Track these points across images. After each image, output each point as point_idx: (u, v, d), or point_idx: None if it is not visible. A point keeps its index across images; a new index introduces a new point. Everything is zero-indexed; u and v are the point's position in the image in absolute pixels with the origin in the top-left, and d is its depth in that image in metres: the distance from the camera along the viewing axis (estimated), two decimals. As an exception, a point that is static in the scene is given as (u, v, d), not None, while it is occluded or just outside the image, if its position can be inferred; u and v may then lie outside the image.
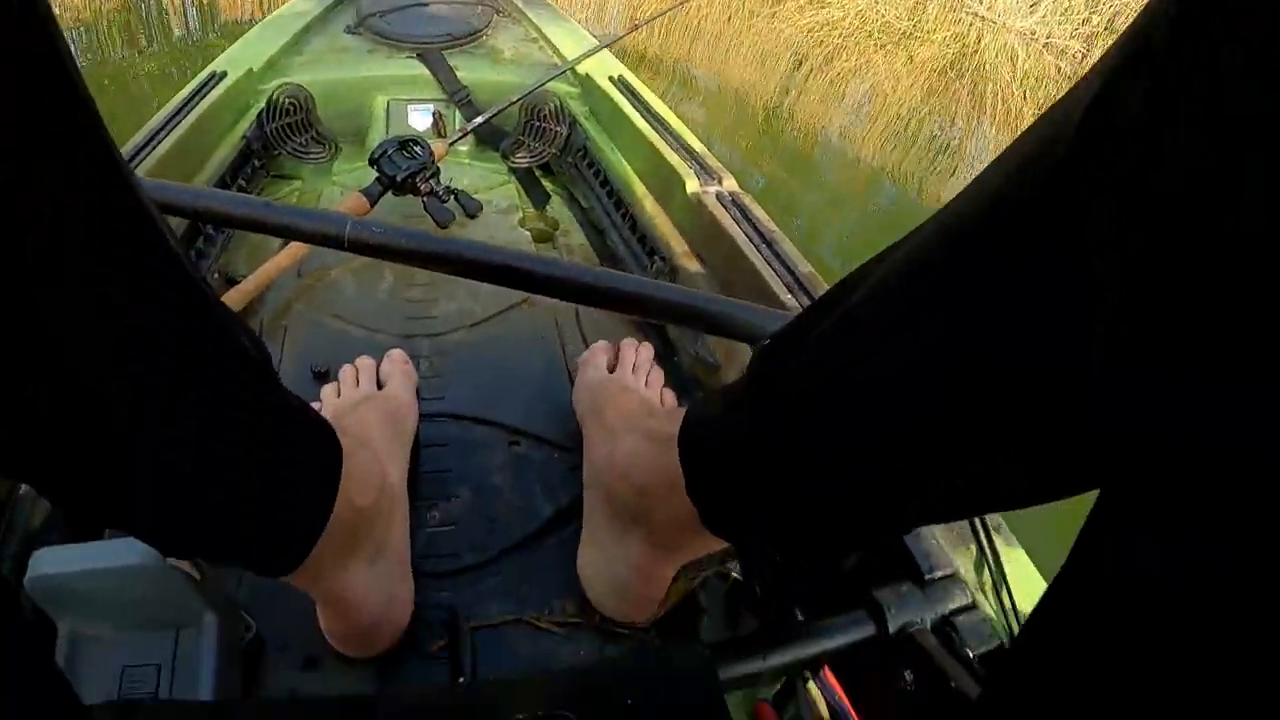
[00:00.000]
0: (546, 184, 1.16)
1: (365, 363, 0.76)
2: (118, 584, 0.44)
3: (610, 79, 1.14)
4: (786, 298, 0.76)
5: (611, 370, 0.79)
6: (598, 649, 0.62)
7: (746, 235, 0.84)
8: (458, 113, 1.20)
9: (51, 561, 0.44)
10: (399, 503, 0.63)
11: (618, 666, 0.44)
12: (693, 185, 0.93)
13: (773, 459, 0.39)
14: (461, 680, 0.56)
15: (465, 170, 1.14)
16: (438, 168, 0.98)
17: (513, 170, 1.15)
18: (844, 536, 0.41)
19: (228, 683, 0.49)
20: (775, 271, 0.80)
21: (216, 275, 0.91)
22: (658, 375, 0.80)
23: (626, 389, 0.75)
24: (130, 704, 0.37)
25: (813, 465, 0.37)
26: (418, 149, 0.96)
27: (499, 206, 1.06)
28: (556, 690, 0.42)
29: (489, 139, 1.17)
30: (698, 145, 1.00)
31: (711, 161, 0.96)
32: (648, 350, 0.82)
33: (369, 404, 0.70)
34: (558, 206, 1.11)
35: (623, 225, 1.02)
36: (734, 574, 0.69)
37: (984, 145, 3.34)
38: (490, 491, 0.72)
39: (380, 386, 0.75)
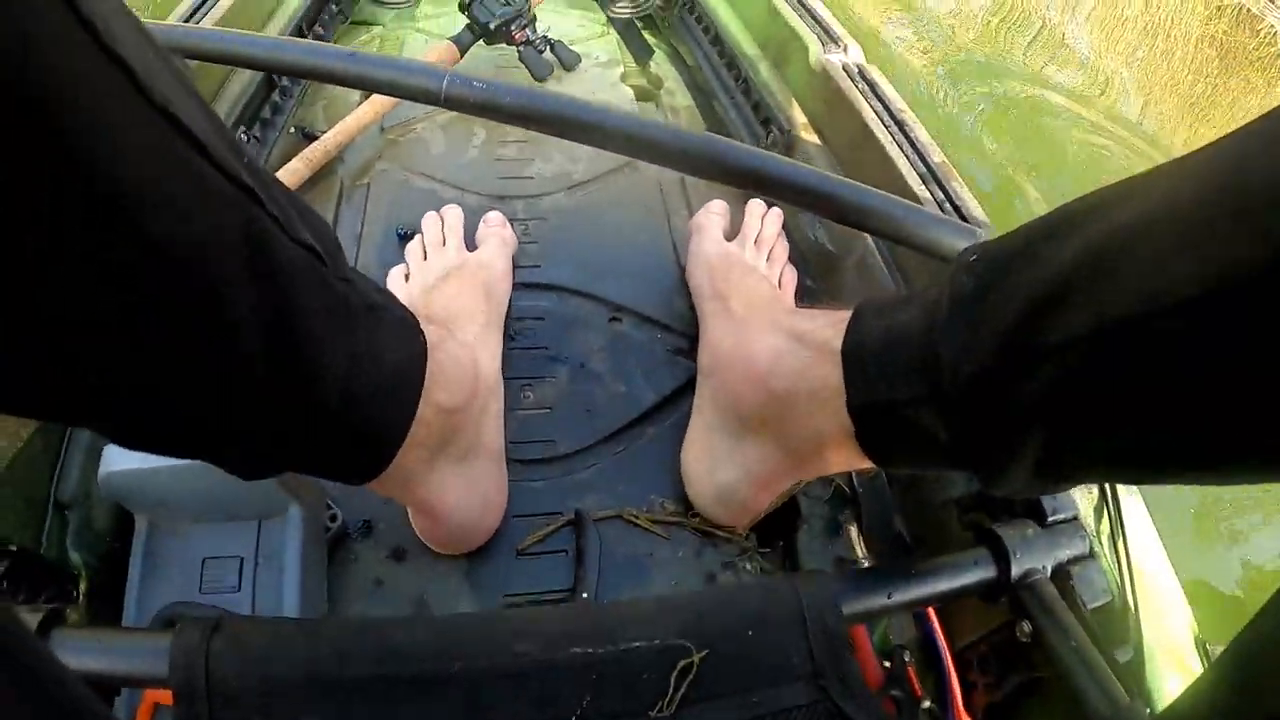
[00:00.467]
0: (649, 37, 1.03)
1: (454, 217, 0.69)
2: (195, 477, 0.41)
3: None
4: (919, 189, 0.65)
5: (729, 238, 0.70)
6: (695, 552, 0.58)
7: (875, 113, 0.72)
8: (553, -46, 1.07)
9: (124, 457, 0.41)
10: (494, 395, 0.58)
11: (739, 594, 0.39)
12: (815, 51, 0.81)
13: (990, 408, 0.35)
14: (584, 595, 0.52)
15: (561, 19, 1.02)
16: (534, 14, 0.87)
17: (612, 20, 1.03)
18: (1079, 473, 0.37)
19: (313, 576, 0.46)
20: (907, 156, 0.68)
21: (293, 129, 0.84)
22: (783, 250, 0.71)
23: (751, 270, 0.66)
24: (216, 622, 0.32)
25: (1057, 413, 0.33)
26: (512, -8, 0.85)
27: (598, 60, 0.95)
28: (678, 616, 0.37)
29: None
30: (819, 4, 0.86)
31: (835, 25, 0.84)
32: (776, 219, 0.72)
33: (459, 275, 0.64)
34: (661, 62, 1.00)
35: (734, 88, 0.91)
36: (838, 480, 0.62)
37: None
38: (589, 374, 0.66)
39: (471, 249, 0.68)
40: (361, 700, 0.33)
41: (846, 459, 0.46)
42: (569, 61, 0.91)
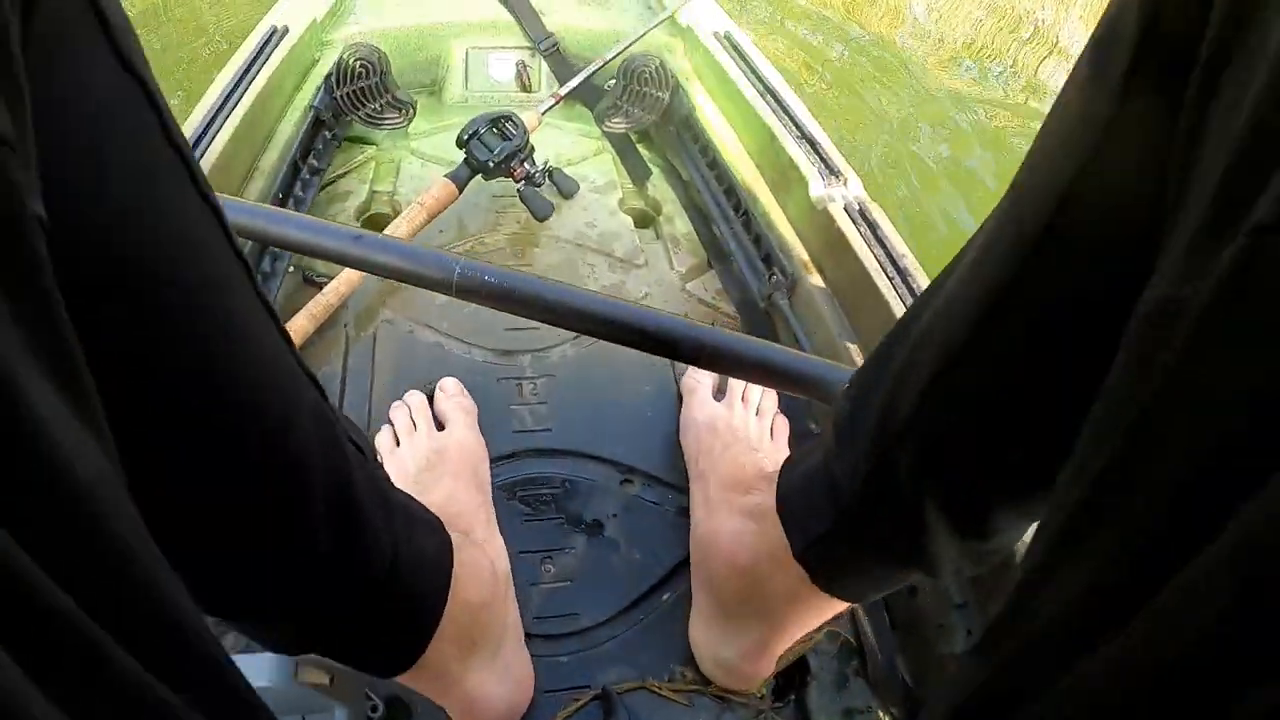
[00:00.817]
0: (645, 151, 1.05)
1: (417, 401, 0.71)
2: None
3: (716, 35, 1.01)
4: None
5: (719, 395, 0.74)
6: (715, 717, 0.60)
7: (877, 259, 0.75)
8: (543, 63, 1.08)
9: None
10: (509, 584, 0.61)
11: None
12: (816, 188, 0.82)
13: (885, 503, 0.40)
14: None
15: (558, 134, 1.04)
16: (532, 147, 0.89)
17: (607, 136, 1.05)
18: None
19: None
20: (901, 300, 0.72)
21: (293, 269, 0.85)
22: (771, 402, 0.74)
23: (733, 440, 0.70)
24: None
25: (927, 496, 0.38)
26: (511, 127, 0.87)
27: (595, 184, 0.97)
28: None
29: (580, 95, 1.06)
30: (817, 131, 0.88)
31: (835, 156, 0.85)
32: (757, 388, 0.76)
33: (444, 467, 0.66)
34: (658, 181, 1.02)
35: (734, 219, 0.92)
36: (844, 635, 0.66)
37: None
38: (605, 542, 0.68)
39: (440, 426, 0.70)
40: None
41: (819, 609, 0.50)
42: (568, 190, 0.93)
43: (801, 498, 0.47)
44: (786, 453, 0.72)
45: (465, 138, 0.85)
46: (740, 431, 0.71)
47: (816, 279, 0.82)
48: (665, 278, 0.88)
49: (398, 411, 0.69)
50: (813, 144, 0.87)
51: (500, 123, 0.87)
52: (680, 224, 0.95)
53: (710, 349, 0.55)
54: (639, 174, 1.00)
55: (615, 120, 1.02)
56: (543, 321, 0.57)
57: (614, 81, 1.04)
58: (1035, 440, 0.34)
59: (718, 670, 0.61)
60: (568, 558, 0.67)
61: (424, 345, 0.77)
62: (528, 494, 0.70)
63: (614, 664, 0.62)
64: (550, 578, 0.66)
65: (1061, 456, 0.26)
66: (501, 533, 0.65)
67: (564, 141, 1.03)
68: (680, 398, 0.77)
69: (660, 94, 1.02)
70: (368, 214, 0.94)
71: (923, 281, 0.74)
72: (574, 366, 0.78)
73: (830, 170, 0.84)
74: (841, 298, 0.80)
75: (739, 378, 0.63)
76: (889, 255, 0.75)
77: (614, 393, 0.77)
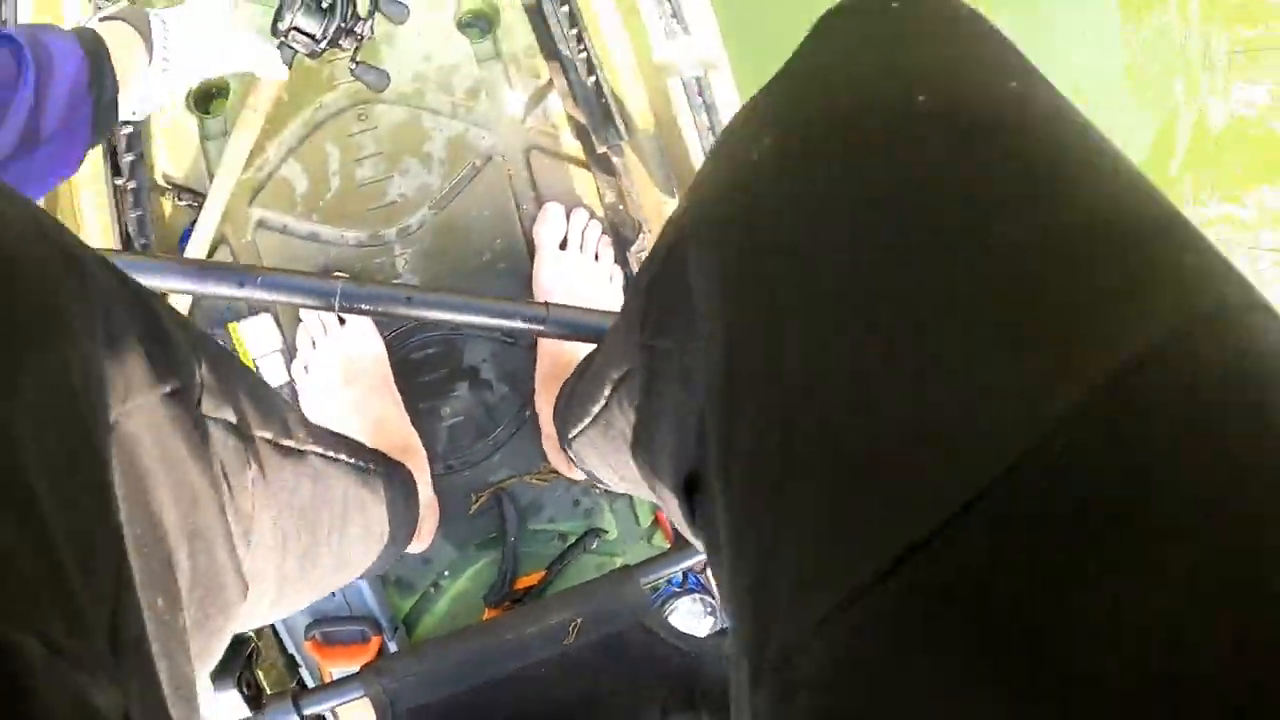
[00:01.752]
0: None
1: (312, 322, 0.88)
2: None
3: None
4: None
5: (563, 244, 0.91)
6: (565, 491, 0.95)
7: (699, 136, 0.83)
8: None
9: None
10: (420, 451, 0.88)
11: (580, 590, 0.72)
12: (658, 48, 0.83)
13: None
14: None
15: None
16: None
17: None
18: None
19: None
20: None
21: (163, 179, 0.88)
22: (606, 250, 0.92)
23: (579, 276, 0.90)
24: None
25: None
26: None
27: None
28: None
29: None
30: None
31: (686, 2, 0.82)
32: (595, 228, 0.92)
33: (353, 376, 0.86)
34: None
35: (576, 55, 0.91)
36: None
37: None
38: (482, 384, 0.93)
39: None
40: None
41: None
42: (398, 16, 0.89)
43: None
44: (621, 296, 0.92)
45: (281, 30, 0.78)
46: (583, 276, 0.90)
47: (652, 129, 0.90)
48: (506, 114, 0.94)
49: (300, 335, 0.87)
50: None
51: (314, -5, 0.80)
52: (521, 32, 0.95)
53: (554, 322, 0.69)
54: (471, -27, 0.94)
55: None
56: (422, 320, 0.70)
57: None
58: None
59: (555, 461, 0.92)
60: (456, 401, 0.93)
61: (300, 241, 0.89)
62: (419, 356, 0.92)
63: (500, 468, 0.94)
64: (448, 417, 0.93)
65: None
66: (404, 393, 0.90)
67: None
68: (530, 246, 0.93)
69: None
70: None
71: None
72: (434, 233, 0.92)
73: (678, 21, 0.83)
74: (671, 158, 0.89)
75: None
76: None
77: (472, 249, 0.92)
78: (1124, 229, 0.20)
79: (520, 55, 0.95)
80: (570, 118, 0.94)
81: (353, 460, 0.61)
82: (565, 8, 0.90)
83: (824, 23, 0.29)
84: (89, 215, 0.80)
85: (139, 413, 0.30)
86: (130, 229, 0.83)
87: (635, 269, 0.94)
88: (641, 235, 0.93)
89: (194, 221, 0.89)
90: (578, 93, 0.91)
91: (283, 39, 0.80)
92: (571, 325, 0.69)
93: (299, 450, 0.49)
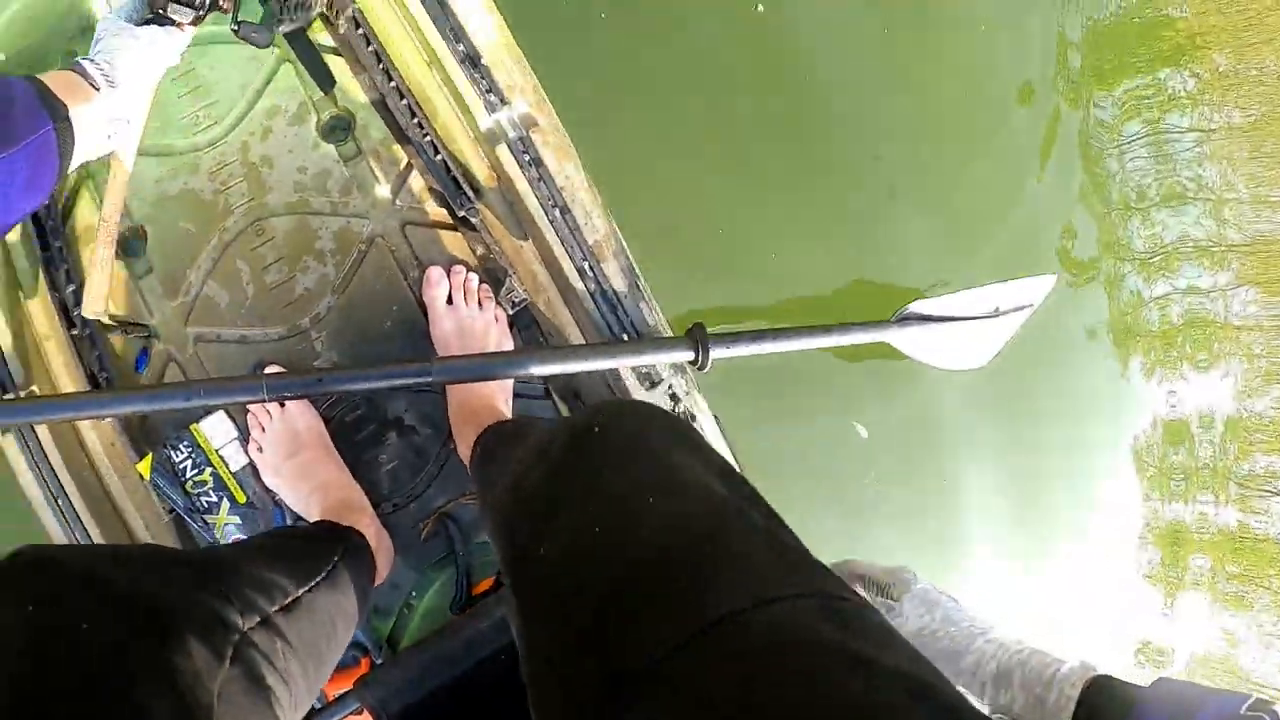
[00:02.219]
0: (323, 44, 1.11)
1: (257, 409, 1.05)
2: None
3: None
4: (576, 283, 0.97)
5: (449, 299, 1.07)
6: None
7: (539, 199, 0.97)
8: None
9: None
10: (375, 521, 1.05)
11: None
12: (483, 119, 0.97)
13: None
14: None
15: (228, 70, 1.10)
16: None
17: (286, 38, 1.08)
18: None
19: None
20: (560, 236, 0.97)
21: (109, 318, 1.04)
22: (488, 296, 1.08)
23: (469, 328, 1.05)
24: None
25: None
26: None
27: (289, 113, 1.08)
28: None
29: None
30: (485, 43, 0.94)
31: (500, 76, 0.94)
32: (473, 280, 1.07)
33: (298, 448, 1.03)
34: (343, 78, 1.10)
35: (420, 137, 1.05)
36: None
37: None
38: (408, 429, 1.09)
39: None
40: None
41: None
42: (261, 42, 0.94)
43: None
44: (509, 337, 1.08)
45: (160, 3, 0.86)
46: (472, 324, 1.06)
47: (495, 185, 1.04)
48: (378, 200, 1.10)
49: (250, 421, 1.05)
50: (474, 63, 0.94)
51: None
52: (375, 129, 1.10)
53: (439, 371, 0.84)
54: (325, 82, 1.10)
55: (283, 24, 1.06)
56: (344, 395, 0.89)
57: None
58: None
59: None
60: (388, 448, 1.09)
61: (234, 346, 1.07)
62: (351, 418, 1.09)
63: (438, 496, 1.10)
64: (385, 463, 1.09)
65: None
66: (345, 451, 1.06)
67: (234, 73, 1.09)
68: (423, 306, 1.09)
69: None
70: None
71: (580, 216, 0.96)
72: (340, 315, 1.08)
73: (494, 90, 0.95)
74: (516, 209, 1.04)
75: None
76: (550, 194, 0.96)
77: (375, 321, 1.09)
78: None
79: (379, 147, 1.11)
80: (431, 189, 1.10)
81: (317, 559, 0.77)
82: (404, 101, 1.06)
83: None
84: (56, 366, 0.99)
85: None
86: (93, 368, 1.02)
87: (510, 305, 1.09)
88: (509, 277, 1.08)
89: (144, 349, 1.08)
90: (432, 170, 1.07)
91: (160, 11, 0.86)
92: (454, 371, 0.85)
93: (296, 598, 0.67)
